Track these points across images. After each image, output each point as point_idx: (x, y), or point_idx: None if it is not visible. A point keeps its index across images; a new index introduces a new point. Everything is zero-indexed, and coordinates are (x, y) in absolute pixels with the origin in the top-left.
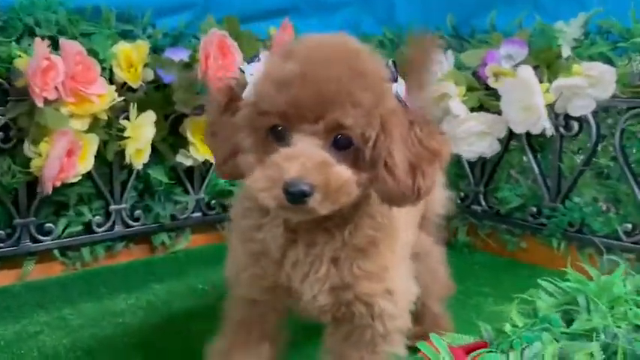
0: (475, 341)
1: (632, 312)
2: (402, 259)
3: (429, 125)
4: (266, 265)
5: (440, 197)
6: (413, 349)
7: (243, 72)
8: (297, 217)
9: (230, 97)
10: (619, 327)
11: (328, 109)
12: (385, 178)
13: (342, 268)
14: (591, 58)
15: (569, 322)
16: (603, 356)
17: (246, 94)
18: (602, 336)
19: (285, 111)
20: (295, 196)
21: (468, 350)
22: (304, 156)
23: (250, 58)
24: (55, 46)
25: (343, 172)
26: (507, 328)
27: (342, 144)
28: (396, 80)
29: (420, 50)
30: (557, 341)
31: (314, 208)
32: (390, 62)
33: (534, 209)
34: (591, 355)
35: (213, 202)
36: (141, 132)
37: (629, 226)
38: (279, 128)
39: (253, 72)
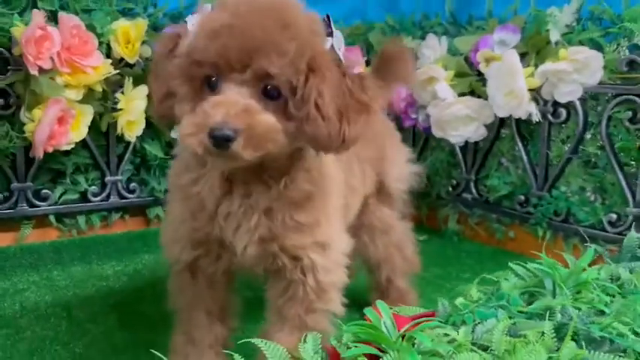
0: (424, 311)
1: (598, 297)
2: (336, 216)
3: (363, 80)
4: (201, 218)
5: (400, 171)
6: None
7: (187, 23)
8: (224, 164)
9: (174, 44)
10: (578, 309)
11: (254, 58)
12: (315, 117)
13: (273, 219)
14: (582, 44)
15: (531, 304)
16: (554, 335)
17: (185, 43)
18: (559, 316)
19: (216, 61)
20: (218, 140)
21: (414, 319)
22: (229, 103)
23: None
24: (56, 20)
25: (268, 118)
26: (459, 301)
27: (271, 94)
28: (331, 35)
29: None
30: (512, 319)
31: (238, 153)
32: (325, 17)
33: (522, 198)
34: (542, 333)
35: None
36: (133, 104)
37: (614, 216)
38: (213, 79)
39: (194, 23)
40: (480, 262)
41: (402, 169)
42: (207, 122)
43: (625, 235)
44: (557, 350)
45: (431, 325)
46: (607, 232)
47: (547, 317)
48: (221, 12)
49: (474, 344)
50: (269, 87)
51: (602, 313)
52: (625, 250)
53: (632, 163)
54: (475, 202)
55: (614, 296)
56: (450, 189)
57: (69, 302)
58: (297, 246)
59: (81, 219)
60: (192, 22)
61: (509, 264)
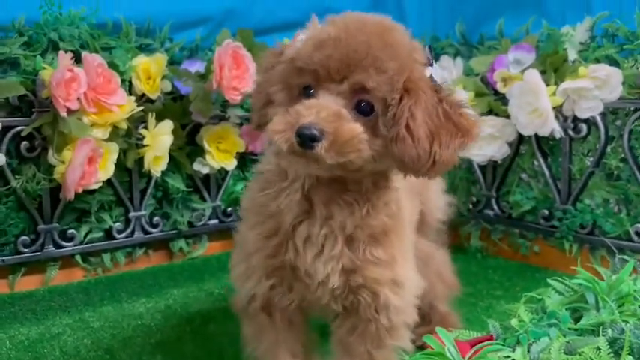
0: (481, 335)
1: None
2: (409, 252)
3: (460, 106)
4: (276, 240)
5: (439, 203)
6: (420, 349)
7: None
8: (306, 167)
9: (278, 60)
10: (626, 322)
11: (354, 70)
12: (404, 137)
13: (355, 249)
14: (598, 61)
15: (577, 320)
16: (610, 350)
17: (290, 51)
18: (610, 331)
19: (317, 69)
20: (304, 139)
21: (474, 344)
22: (321, 106)
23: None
24: (77, 59)
25: (356, 126)
26: (514, 322)
27: (364, 110)
28: (431, 65)
29: None
30: (565, 336)
31: (320, 155)
32: (427, 47)
33: (546, 212)
34: (598, 349)
35: (229, 209)
36: (159, 140)
37: None
38: (311, 90)
39: (302, 38)
40: (508, 278)
41: (440, 199)
42: (297, 121)
43: None
44: None
45: (493, 349)
46: (634, 242)
47: (600, 333)
48: (330, 26)
49: None
50: (363, 102)
51: None
52: None
53: None
54: (497, 218)
55: None
56: (471, 206)
57: (109, 344)
58: (377, 280)
59: (106, 257)
60: (300, 36)
61: (548, 280)
